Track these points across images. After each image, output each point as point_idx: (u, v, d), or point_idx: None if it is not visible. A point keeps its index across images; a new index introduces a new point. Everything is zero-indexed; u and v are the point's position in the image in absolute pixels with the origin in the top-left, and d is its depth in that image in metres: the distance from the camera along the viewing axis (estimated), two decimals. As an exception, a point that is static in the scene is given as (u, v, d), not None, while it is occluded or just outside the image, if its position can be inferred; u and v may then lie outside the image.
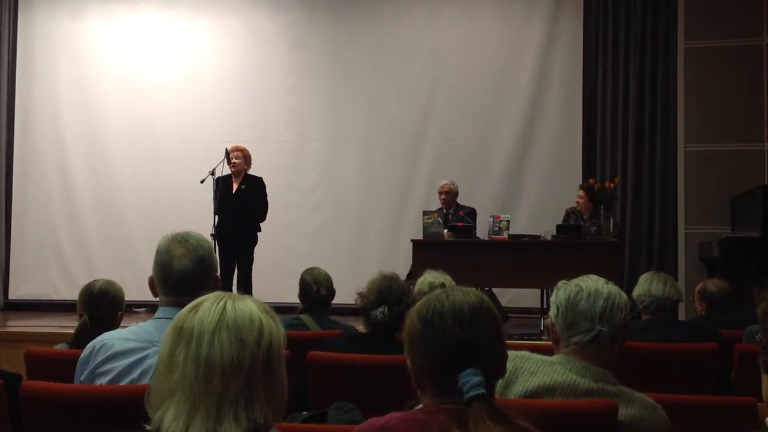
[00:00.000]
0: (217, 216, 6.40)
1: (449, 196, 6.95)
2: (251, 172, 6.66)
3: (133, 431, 1.23)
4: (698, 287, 4.03)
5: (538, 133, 7.90)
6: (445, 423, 1.33)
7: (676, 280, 3.58)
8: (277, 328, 1.28)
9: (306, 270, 3.75)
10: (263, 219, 6.59)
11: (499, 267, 6.26)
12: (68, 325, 5.41)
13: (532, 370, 1.84)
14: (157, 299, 2.15)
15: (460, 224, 6.60)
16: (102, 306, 2.92)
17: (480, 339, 1.42)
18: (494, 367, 1.43)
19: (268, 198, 6.62)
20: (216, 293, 1.30)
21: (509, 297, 7.32)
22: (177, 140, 8.26)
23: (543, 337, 5.41)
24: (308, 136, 8.24)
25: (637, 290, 3.42)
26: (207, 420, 1.19)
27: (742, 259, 6.22)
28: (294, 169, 8.18)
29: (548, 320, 1.97)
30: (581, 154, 7.82)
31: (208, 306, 1.27)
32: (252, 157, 6.68)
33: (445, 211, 6.91)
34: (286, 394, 1.29)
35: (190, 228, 2.21)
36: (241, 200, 6.46)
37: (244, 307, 1.27)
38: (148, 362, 2.00)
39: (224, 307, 1.26)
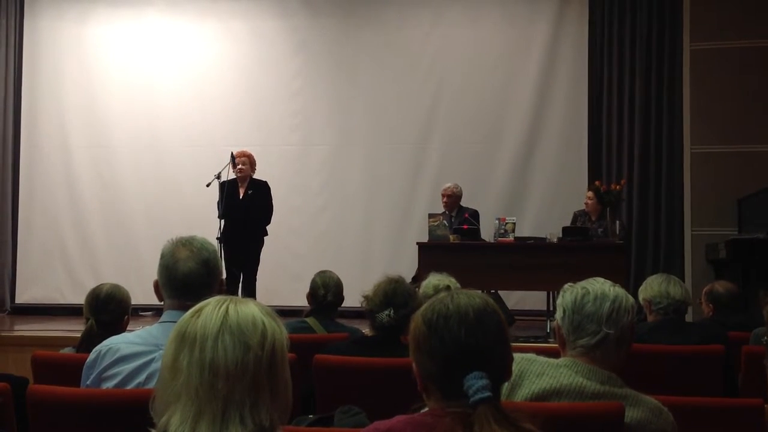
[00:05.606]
0: (222, 220, 6.39)
1: (451, 199, 6.93)
2: (255, 176, 6.67)
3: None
4: (705, 289, 4.01)
5: (544, 135, 7.88)
6: (451, 426, 1.33)
7: (683, 281, 3.56)
8: (279, 330, 1.28)
9: (319, 272, 3.72)
10: (268, 223, 6.60)
11: (504, 269, 6.24)
12: (75, 329, 5.43)
13: (538, 373, 1.84)
14: (163, 303, 2.15)
15: (465, 227, 6.58)
16: (109, 310, 2.92)
17: (485, 342, 1.41)
18: (500, 370, 1.43)
19: (273, 202, 6.62)
20: (217, 297, 1.30)
21: (515, 299, 7.32)
22: (182, 144, 8.27)
23: (549, 340, 5.40)
24: (313, 139, 8.25)
25: (651, 291, 3.35)
26: (213, 424, 1.19)
27: (748, 261, 6.19)
28: (299, 172, 8.19)
29: (554, 323, 1.97)
30: (587, 156, 7.81)
31: (210, 310, 1.27)
32: (257, 162, 6.69)
33: (447, 213, 6.90)
34: (290, 395, 1.29)
35: (195, 232, 2.21)
36: (248, 205, 6.47)
37: (247, 310, 1.27)
38: (155, 366, 1.99)
39: (227, 311, 1.26)
